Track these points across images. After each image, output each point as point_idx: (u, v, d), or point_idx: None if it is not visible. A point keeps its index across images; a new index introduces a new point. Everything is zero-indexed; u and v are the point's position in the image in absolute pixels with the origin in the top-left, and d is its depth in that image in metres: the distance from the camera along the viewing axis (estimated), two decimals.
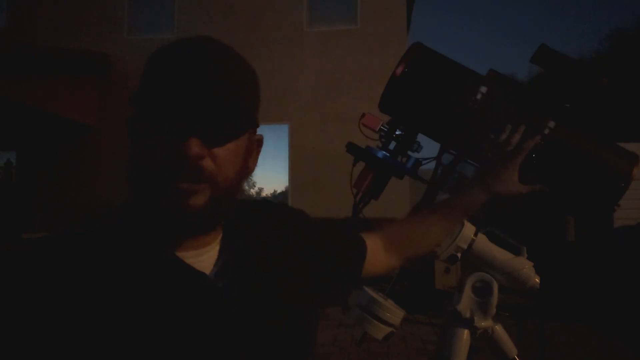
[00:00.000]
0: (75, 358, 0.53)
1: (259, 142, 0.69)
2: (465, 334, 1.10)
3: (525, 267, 1.11)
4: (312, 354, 0.73)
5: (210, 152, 0.58)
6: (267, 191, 8.35)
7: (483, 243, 1.12)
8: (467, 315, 1.09)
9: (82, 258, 0.58)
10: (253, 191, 8.22)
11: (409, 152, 1.17)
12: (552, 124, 1.01)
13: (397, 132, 1.15)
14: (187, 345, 0.57)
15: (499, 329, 1.13)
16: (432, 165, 1.19)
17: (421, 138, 1.16)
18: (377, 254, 0.92)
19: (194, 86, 0.56)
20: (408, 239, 0.98)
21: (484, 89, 1.04)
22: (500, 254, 1.12)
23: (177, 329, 0.58)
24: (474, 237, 1.11)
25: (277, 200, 0.89)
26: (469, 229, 1.11)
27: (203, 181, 0.58)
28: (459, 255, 1.11)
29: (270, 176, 8.22)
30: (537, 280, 1.11)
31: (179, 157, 0.55)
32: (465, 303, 1.10)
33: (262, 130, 0.69)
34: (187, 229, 0.61)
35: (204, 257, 0.64)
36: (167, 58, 0.59)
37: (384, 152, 1.14)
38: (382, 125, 1.16)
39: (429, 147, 1.18)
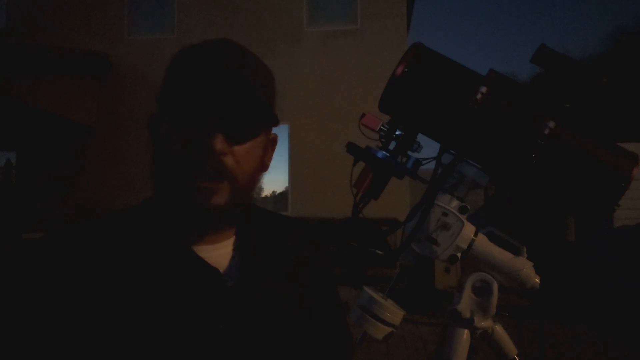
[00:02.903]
0: (81, 354, 0.53)
1: (274, 141, 0.72)
2: (465, 334, 1.10)
3: (525, 267, 1.11)
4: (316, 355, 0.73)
5: (232, 149, 0.60)
6: (267, 191, 8.35)
7: (483, 243, 1.12)
8: (467, 315, 1.09)
9: (93, 255, 0.59)
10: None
11: (409, 152, 1.17)
12: (552, 124, 1.01)
13: (397, 132, 1.15)
14: (192, 339, 0.58)
15: (499, 329, 1.13)
16: (432, 165, 1.19)
17: (421, 138, 1.16)
18: None
19: (218, 85, 0.58)
20: None
21: (484, 89, 1.04)
22: (500, 254, 1.12)
23: (188, 324, 0.58)
24: (474, 237, 1.11)
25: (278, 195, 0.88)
26: (469, 229, 1.11)
27: (224, 178, 0.59)
28: (459, 255, 1.11)
29: (270, 176, 8.22)
30: (537, 280, 1.11)
31: (203, 152, 0.57)
32: (465, 303, 1.10)
33: None
34: (206, 224, 0.62)
35: (219, 252, 0.65)
36: (191, 60, 0.61)
37: (384, 152, 1.14)
38: (382, 125, 1.16)
39: (429, 147, 1.18)
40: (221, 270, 0.64)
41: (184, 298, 0.59)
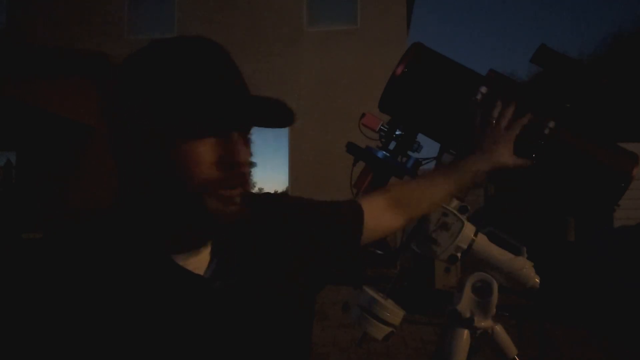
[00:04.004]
0: (76, 356, 0.53)
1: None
2: (465, 334, 1.10)
3: (525, 267, 1.11)
4: (309, 347, 0.73)
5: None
6: (267, 191, 8.36)
7: (483, 243, 1.12)
8: (467, 315, 1.09)
9: (77, 263, 0.57)
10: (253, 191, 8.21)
11: (409, 152, 1.17)
12: (552, 124, 1.01)
13: (397, 132, 1.15)
14: (187, 348, 0.57)
15: (499, 329, 1.13)
16: (432, 165, 1.19)
17: (421, 138, 1.17)
18: (378, 215, 0.90)
19: (237, 91, 0.57)
20: (411, 198, 0.96)
21: (484, 89, 1.04)
22: (500, 254, 1.12)
23: (175, 332, 0.57)
24: (474, 237, 1.11)
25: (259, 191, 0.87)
26: (469, 229, 1.11)
27: (241, 187, 0.59)
28: (459, 255, 1.11)
29: (270, 176, 8.22)
30: (537, 280, 1.11)
31: (232, 164, 0.56)
32: (465, 303, 1.10)
33: (262, 130, 0.69)
34: (196, 232, 0.62)
35: (197, 259, 0.64)
36: (196, 61, 0.58)
37: (384, 152, 1.14)
38: (382, 125, 1.16)
39: (429, 147, 1.18)
40: (203, 274, 0.63)
41: (172, 308, 0.58)
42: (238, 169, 0.57)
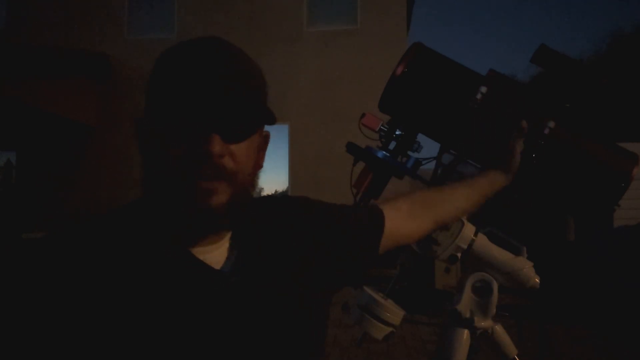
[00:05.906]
0: (87, 355, 0.53)
1: (267, 138, 0.71)
2: (465, 334, 1.10)
3: (525, 267, 1.11)
4: (323, 346, 0.73)
5: (229, 150, 0.59)
6: (268, 191, 8.36)
7: (483, 243, 1.12)
8: (467, 315, 1.09)
9: (92, 256, 0.58)
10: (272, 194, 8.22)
11: (409, 152, 1.17)
12: (552, 124, 1.01)
13: (397, 132, 1.15)
14: (203, 340, 0.58)
15: (499, 329, 1.13)
16: (432, 165, 1.19)
17: (421, 138, 1.17)
18: (401, 221, 0.89)
19: (212, 85, 0.57)
20: (435, 202, 0.96)
21: (484, 89, 1.04)
22: (500, 254, 1.12)
23: (192, 325, 0.58)
24: (474, 237, 1.11)
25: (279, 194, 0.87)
26: (469, 229, 1.11)
27: (223, 179, 0.59)
28: (459, 255, 1.11)
29: (270, 176, 8.22)
30: (537, 280, 1.11)
31: (200, 155, 0.57)
32: (465, 303, 1.10)
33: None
34: (205, 226, 0.62)
35: (215, 253, 0.65)
36: (180, 59, 0.60)
37: (384, 152, 1.14)
38: (382, 125, 1.16)
39: (429, 147, 1.18)
40: (221, 268, 0.64)
41: (189, 301, 0.59)
42: (209, 161, 0.57)
